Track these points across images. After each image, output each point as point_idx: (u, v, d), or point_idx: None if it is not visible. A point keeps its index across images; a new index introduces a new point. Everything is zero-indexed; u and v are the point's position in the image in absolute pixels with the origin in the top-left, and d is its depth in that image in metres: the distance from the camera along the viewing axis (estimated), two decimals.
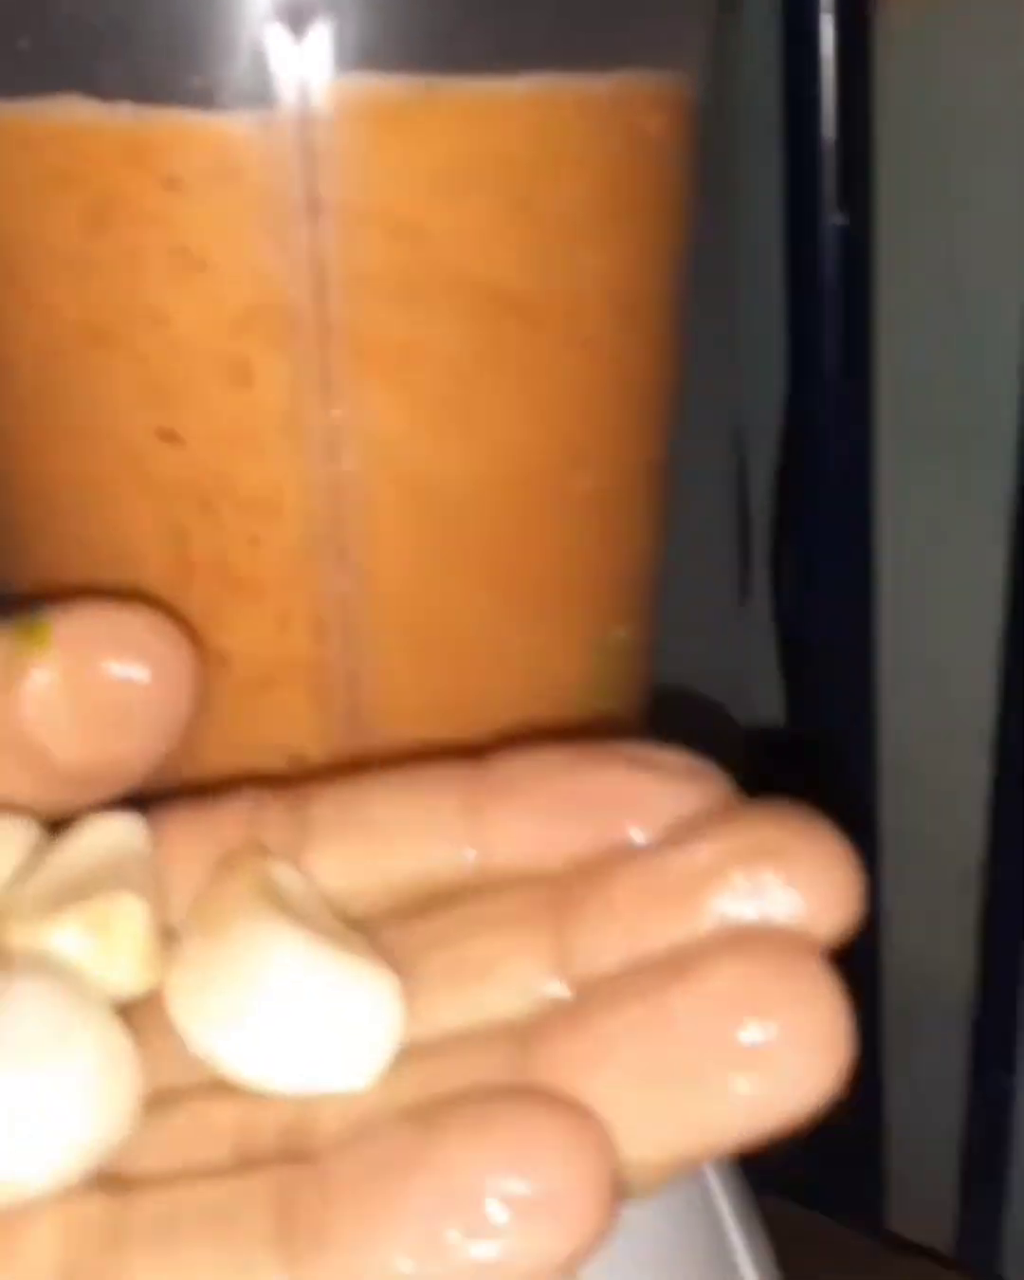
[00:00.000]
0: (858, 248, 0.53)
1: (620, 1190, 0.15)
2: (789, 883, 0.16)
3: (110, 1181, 0.16)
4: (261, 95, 0.23)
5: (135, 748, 0.20)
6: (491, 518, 0.26)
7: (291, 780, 0.21)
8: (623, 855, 0.18)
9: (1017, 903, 0.59)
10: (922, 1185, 0.62)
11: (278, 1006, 0.17)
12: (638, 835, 0.18)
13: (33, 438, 0.26)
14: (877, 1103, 0.62)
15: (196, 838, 0.20)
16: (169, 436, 0.25)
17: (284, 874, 0.19)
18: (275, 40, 0.23)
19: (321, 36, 0.23)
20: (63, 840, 0.20)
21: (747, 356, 0.66)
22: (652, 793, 0.18)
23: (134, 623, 0.20)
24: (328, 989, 0.17)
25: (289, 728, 0.26)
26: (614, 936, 0.17)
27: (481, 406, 0.25)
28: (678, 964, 0.16)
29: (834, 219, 0.52)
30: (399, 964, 0.17)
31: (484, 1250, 0.15)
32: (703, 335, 0.62)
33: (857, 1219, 0.51)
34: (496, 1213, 0.15)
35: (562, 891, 0.18)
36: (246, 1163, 0.16)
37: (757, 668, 0.72)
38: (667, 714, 0.31)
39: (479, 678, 0.27)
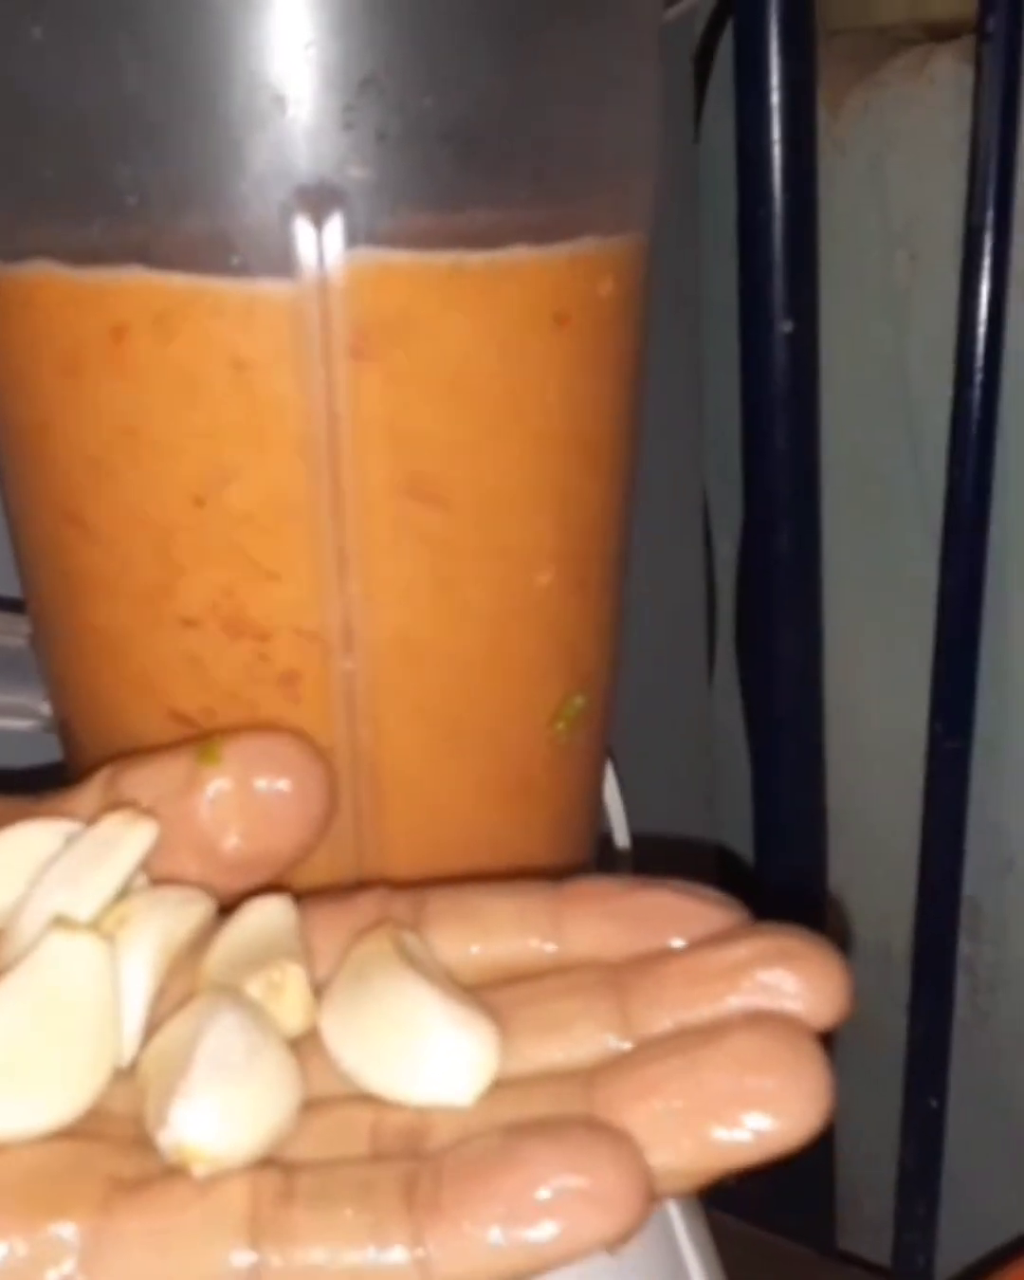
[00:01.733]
0: (804, 352, 0.59)
1: (653, 1192, 0.21)
2: (798, 981, 0.22)
3: (279, 1160, 0.22)
4: (287, 268, 0.29)
5: (283, 843, 0.26)
6: (468, 606, 0.31)
7: (415, 883, 0.26)
8: (671, 953, 0.23)
9: (942, 953, 0.64)
10: (867, 1205, 0.66)
11: (407, 1038, 0.23)
12: (679, 942, 0.24)
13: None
14: (827, 1131, 0.66)
15: (337, 916, 0.25)
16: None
17: (412, 941, 0.24)
18: (301, 228, 0.28)
19: (335, 225, 0.28)
20: (235, 917, 0.25)
21: (713, 455, 0.72)
22: (693, 912, 0.24)
23: (284, 745, 0.26)
24: (444, 1027, 0.23)
25: None
26: (662, 1009, 0.23)
27: (471, 513, 0.30)
28: (709, 1031, 0.22)
29: (783, 327, 0.58)
30: (495, 1015, 0.23)
31: (550, 1226, 0.20)
32: (674, 433, 0.68)
33: (806, 1236, 0.55)
34: (561, 1199, 0.20)
35: (622, 974, 0.23)
36: (378, 1154, 0.22)
37: (723, 732, 0.77)
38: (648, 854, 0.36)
39: (460, 742, 0.32)
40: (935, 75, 0.67)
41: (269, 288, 0.29)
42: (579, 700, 0.33)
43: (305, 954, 0.25)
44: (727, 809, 0.78)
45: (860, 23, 0.71)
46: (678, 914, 0.24)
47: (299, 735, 0.26)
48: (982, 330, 0.60)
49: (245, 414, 0.29)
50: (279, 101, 0.28)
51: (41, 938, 0.24)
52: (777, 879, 0.66)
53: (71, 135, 0.29)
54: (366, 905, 0.25)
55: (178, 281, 0.29)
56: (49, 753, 0.36)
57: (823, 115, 0.68)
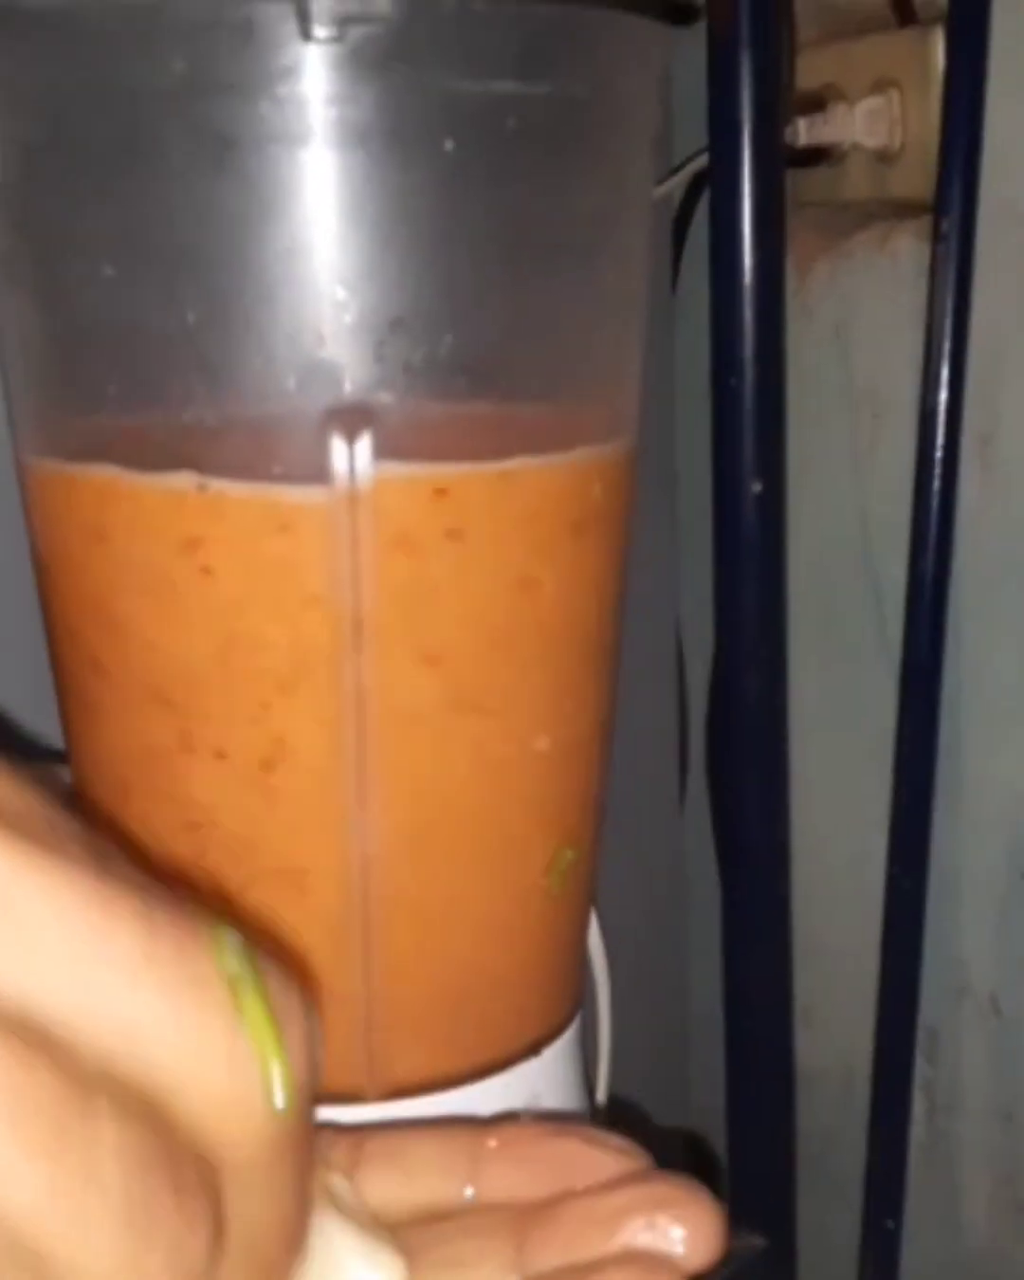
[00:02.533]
0: (773, 510, 0.63)
1: None
2: (676, 1225, 0.26)
3: None
4: (322, 476, 0.33)
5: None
6: (472, 772, 0.35)
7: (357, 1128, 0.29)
8: (570, 1196, 0.27)
9: (900, 1077, 0.67)
10: None
11: (324, 1273, 0.26)
12: (582, 1185, 0.27)
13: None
14: (790, 1242, 0.69)
15: None
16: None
17: (339, 1183, 0.27)
18: (336, 444, 0.32)
19: (365, 442, 0.32)
20: None
21: (687, 603, 0.76)
22: (596, 1160, 0.27)
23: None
24: (358, 1266, 0.26)
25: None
26: (555, 1249, 0.26)
27: (478, 691, 0.34)
28: (588, 1268, 0.25)
29: (753, 487, 0.62)
30: (408, 1254, 0.26)
31: None
32: (651, 586, 0.73)
33: None
34: None
35: (524, 1216, 0.27)
36: None
37: (694, 856, 0.81)
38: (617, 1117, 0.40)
39: (459, 896, 0.36)
40: (896, 251, 0.72)
41: (306, 494, 0.33)
42: (570, 854, 0.37)
43: None
44: (696, 934, 0.81)
45: (828, 197, 0.76)
46: (583, 1162, 0.27)
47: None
48: (937, 486, 0.65)
49: (278, 602, 0.33)
50: (319, 337, 0.32)
51: None
52: (743, 1005, 0.69)
53: (137, 358, 0.33)
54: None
55: (224, 485, 0.33)
56: None
57: (792, 281, 0.73)
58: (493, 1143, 0.28)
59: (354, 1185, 0.28)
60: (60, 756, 0.39)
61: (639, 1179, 0.27)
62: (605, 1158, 0.27)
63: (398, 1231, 0.27)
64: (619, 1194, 0.26)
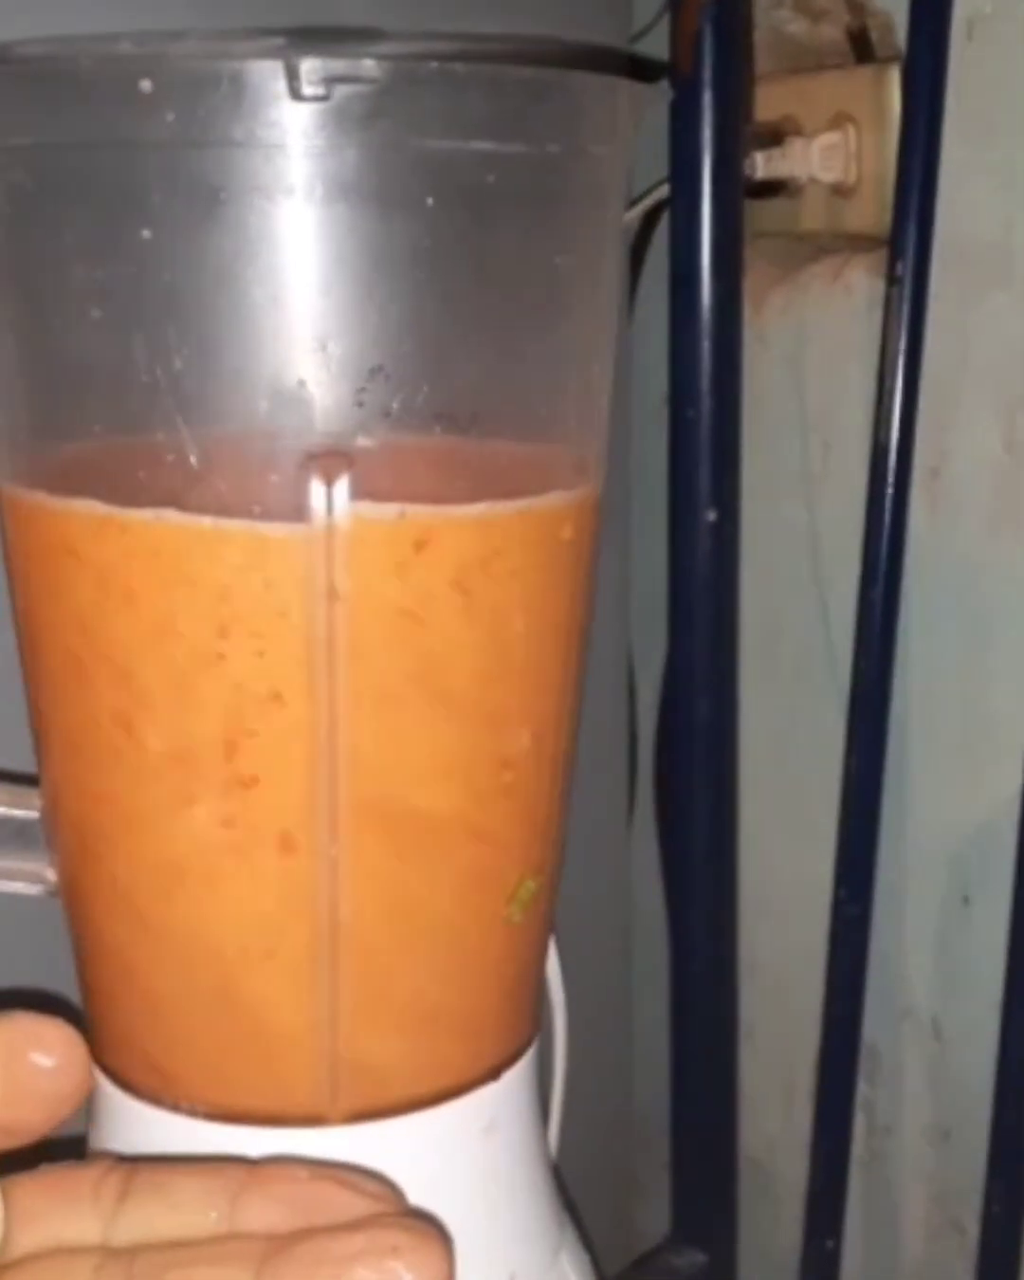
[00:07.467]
0: (726, 538, 0.65)
1: None
2: (404, 1273, 0.27)
3: None
4: (300, 516, 0.34)
5: (43, 1113, 0.30)
6: (439, 804, 0.36)
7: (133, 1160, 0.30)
8: (317, 1231, 0.28)
9: (842, 1095, 0.68)
10: None
11: None
12: (329, 1222, 0.28)
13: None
14: (731, 1258, 0.70)
15: (57, 1186, 0.29)
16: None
17: None
18: (314, 486, 0.33)
19: (343, 484, 0.33)
20: None
21: (637, 625, 0.78)
22: (349, 1202, 0.29)
23: (50, 1029, 0.30)
24: None
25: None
26: (294, 1274, 0.27)
27: (442, 730, 0.35)
28: None
29: (708, 516, 0.64)
30: (145, 1276, 0.27)
31: None
32: (603, 608, 0.74)
33: None
34: None
35: (269, 1245, 0.28)
36: None
37: (641, 876, 0.82)
38: None
39: (428, 918, 0.37)
40: (851, 284, 0.73)
41: (284, 532, 0.34)
42: (531, 884, 0.38)
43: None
44: (642, 951, 0.82)
45: (785, 228, 0.77)
46: (336, 1203, 0.29)
47: (63, 1023, 0.30)
48: (887, 519, 0.66)
49: (255, 636, 0.34)
50: (302, 384, 0.33)
51: None
52: (688, 1022, 0.71)
53: (123, 402, 0.34)
54: (84, 1179, 0.30)
55: (206, 524, 0.34)
56: (53, 917, 0.40)
57: (747, 310, 0.75)
58: (259, 1178, 0.29)
59: (126, 1217, 0.29)
60: (31, 781, 0.40)
61: (377, 1224, 0.28)
62: (356, 1200, 0.29)
63: (140, 1253, 0.28)
64: (355, 1237, 0.28)
